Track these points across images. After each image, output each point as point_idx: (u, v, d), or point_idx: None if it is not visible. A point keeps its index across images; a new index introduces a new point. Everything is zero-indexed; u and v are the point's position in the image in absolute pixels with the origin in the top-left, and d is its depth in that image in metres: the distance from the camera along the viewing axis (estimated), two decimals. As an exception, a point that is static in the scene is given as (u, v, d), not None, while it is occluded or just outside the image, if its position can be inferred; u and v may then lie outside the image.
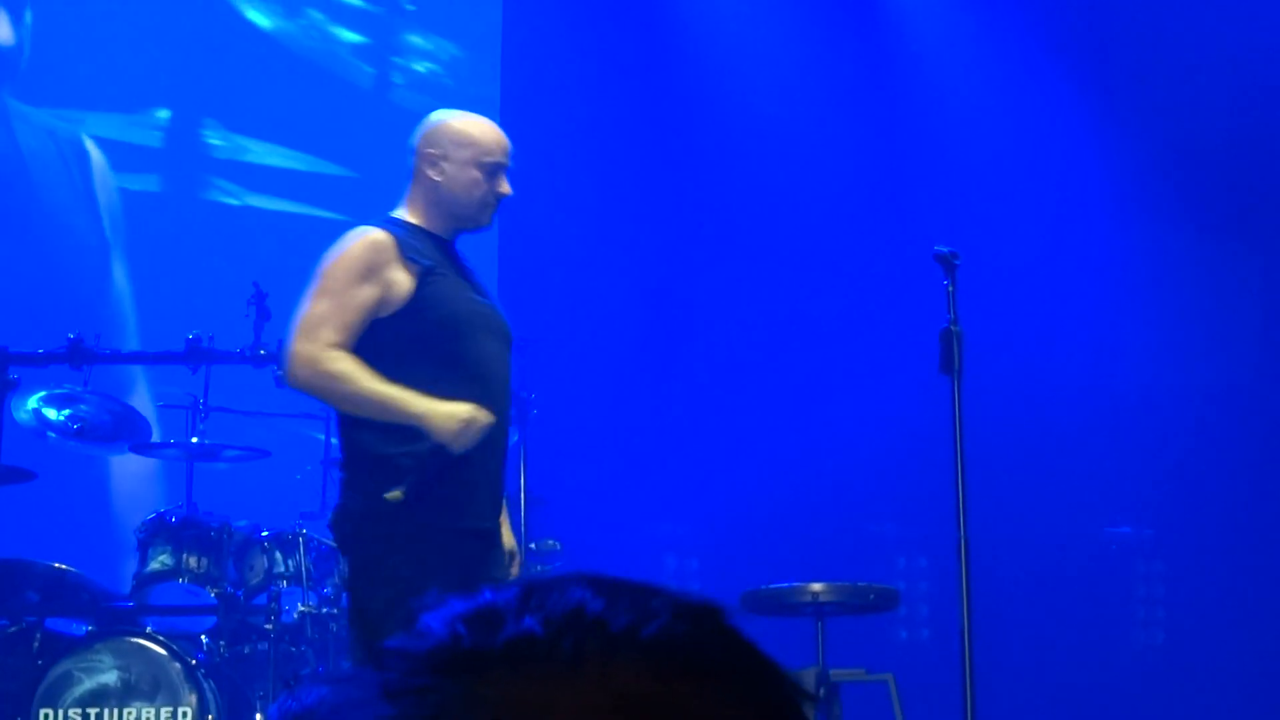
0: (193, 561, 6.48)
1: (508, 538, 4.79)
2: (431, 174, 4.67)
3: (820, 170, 8.87)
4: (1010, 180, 8.83)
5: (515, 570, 4.79)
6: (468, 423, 4.49)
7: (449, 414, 4.46)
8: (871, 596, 5.70)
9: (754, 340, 8.66)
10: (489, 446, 4.57)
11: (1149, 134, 8.89)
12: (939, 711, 6.25)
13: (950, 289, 5.47)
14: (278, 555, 6.62)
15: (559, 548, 7.04)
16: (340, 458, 4.71)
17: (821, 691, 5.66)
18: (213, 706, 6.17)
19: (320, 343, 4.47)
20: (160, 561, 6.48)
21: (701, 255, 8.83)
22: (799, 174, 8.88)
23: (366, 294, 4.51)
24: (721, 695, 0.97)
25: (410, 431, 4.48)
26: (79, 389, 6.83)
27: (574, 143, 8.83)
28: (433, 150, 4.67)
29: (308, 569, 6.65)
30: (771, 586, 5.70)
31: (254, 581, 6.59)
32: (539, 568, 6.68)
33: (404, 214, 4.70)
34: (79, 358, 6.68)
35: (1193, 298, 8.91)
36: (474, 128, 4.73)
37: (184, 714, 6.12)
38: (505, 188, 4.69)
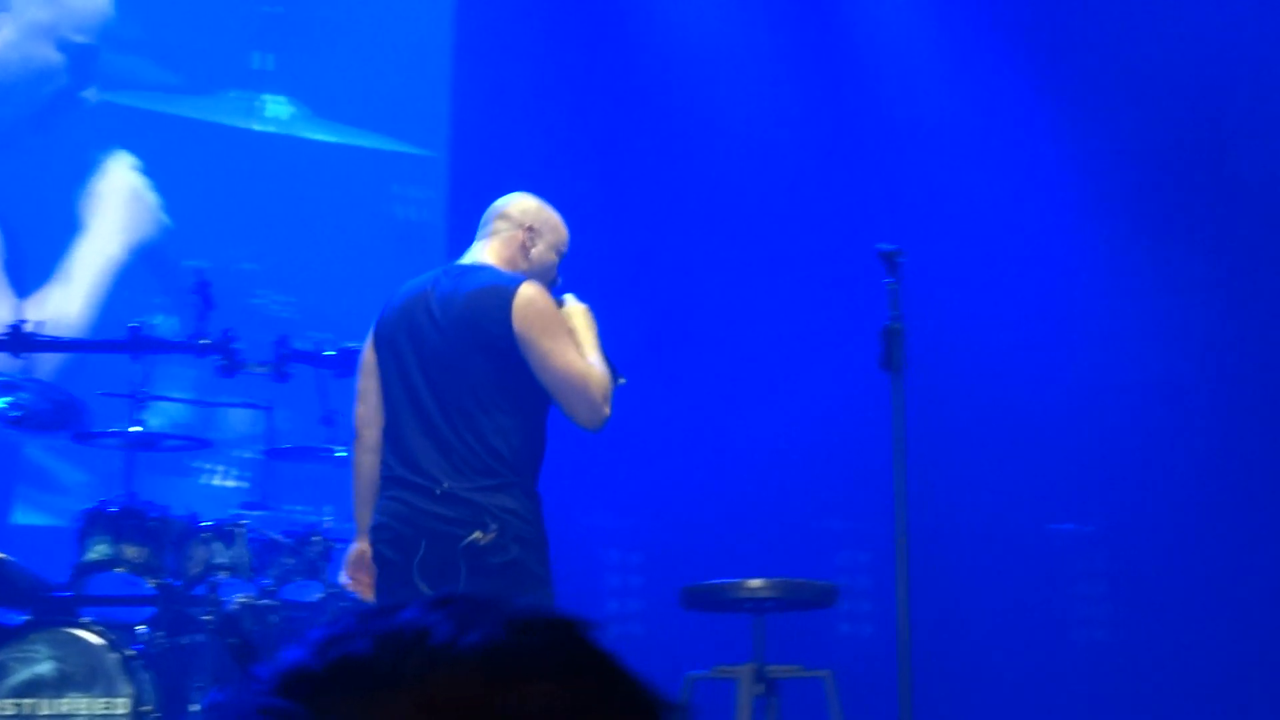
0: (131, 551, 6.44)
1: None
2: (530, 248, 5.28)
3: (766, 168, 8.87)
4: (956, 177, 8.85)
5: None
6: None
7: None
8: (810, 593, 5.69)
9: (696, 335, 8.66)
10: None
11: (1097, 131, 8.92)
12: (877, 708, 6.26)
13: (893, 286, 5.49)
14: (218, 546, 6.59)
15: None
16: (492, 458, 5.00)
17: (760, 688, 5.66)
18: (150, 697, 6.13)
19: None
20: (98, 551, 6.44)
21: (645, 252, 8.83)
22: (745, 171, 8.89)
23: None
24: (548, 700, 1.01)
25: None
26: (19, 376, 6.79)
27: (523, 142, 8.81)
28: (534, 228, 5.30)
29: (248, 560, 6.63)
30: (709, 583, 5.69)
31: (193, 572, 6.56)
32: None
33: (503, 268, 5.23)
34: (19, 345, 6.63)
35: (1138, 295, 8.94)
36: (558, 218, 5.39)
37: (121, 705, 6.08)
38: (557, 278, 5.33)
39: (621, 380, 5.14)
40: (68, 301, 8.84)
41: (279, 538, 6.83)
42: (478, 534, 4.87)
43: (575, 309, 5.22)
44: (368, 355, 5.30)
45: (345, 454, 7.79)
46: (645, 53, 9.04)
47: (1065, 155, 8.91)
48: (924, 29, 9.05)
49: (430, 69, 9.27)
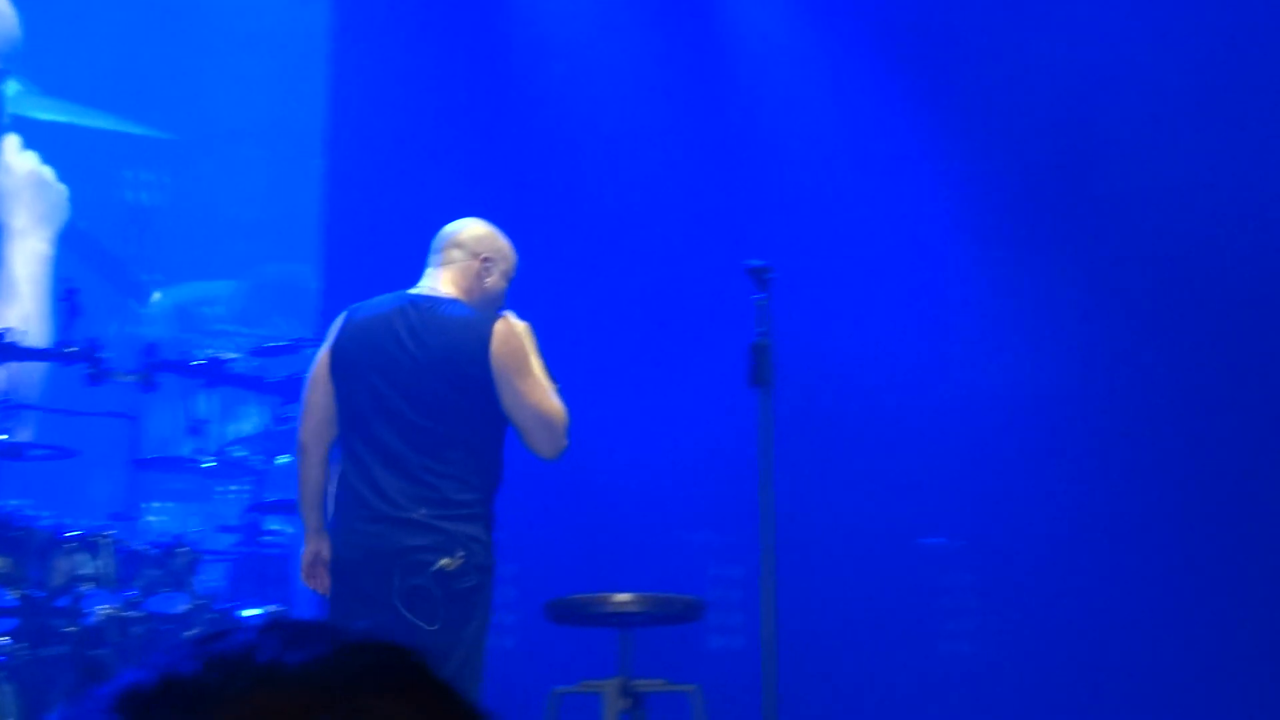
0: (-6, 562, 6.35)
1: None
2: (486, 278, 5.47)
3: (636, 183, 8.87)
4: (826, 192, 8.89)
5: None
6: None
7: None
8: (677, 607, 5.71)
9: (562, 349, 8.63)
10: None
11: (966, 145, 9.01)
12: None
13: (761, 303, 5.52)
14: (83, 557, 6.51)
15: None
16: (459, 489, 5.18)
17: (626, 703, 5.67)
18: (11, 709, 6.05)
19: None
20: (-39, 562, 6.35)
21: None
22: (615, 186, 8.89)
23: None
24: (371, 718, 1.02)
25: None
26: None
27: (395, 148, 8.78)
28: (491, 259, 5.50)
29: (113, 571, 6.56)
30: (574, 596, 5.69)
31: (57, 583, 6.48)
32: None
33: (460, 297, 5.42)
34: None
35: (1006, 311, 9.03)
36: (510, 247, 5.57)
37: (-20, 717, 6.00)
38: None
39: (555, 387, 5.34)
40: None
41: (145, 549, 6.76)
42: (445, 560, 5.04)
43: (517, 327, 5.34)
44: (320, 371, 5.38)
45: (213, 464, 7.78)
46: (510, 64, 9.02)
47: (935, 169, 8.99)
48: (795, 45, 9.10)
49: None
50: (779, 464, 5.52)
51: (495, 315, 5.31)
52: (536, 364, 5.30)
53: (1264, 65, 8.76)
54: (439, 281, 5.44)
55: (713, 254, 8.24)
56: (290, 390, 7.46)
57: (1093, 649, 8.67)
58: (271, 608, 7.20)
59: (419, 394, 5.21)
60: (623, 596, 5.60)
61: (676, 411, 8.54)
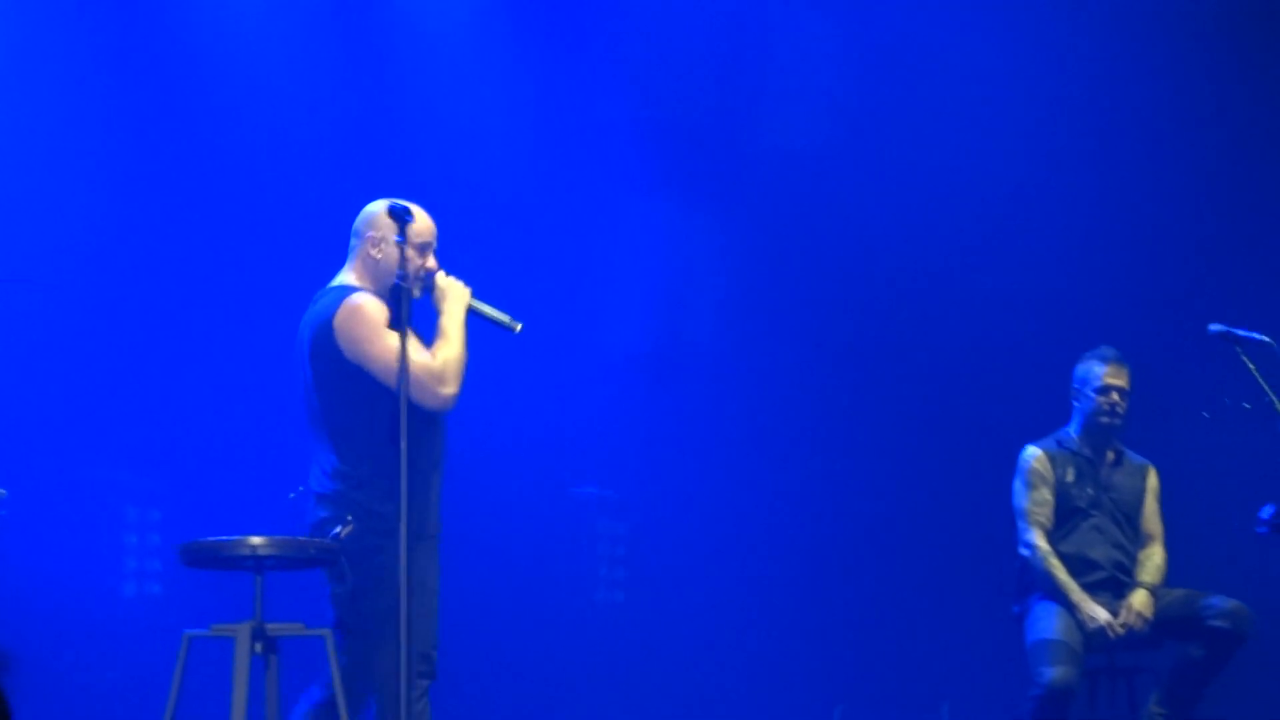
0: None
1: None
2: (373, 253, 5.64)
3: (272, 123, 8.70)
4: (484, 130, 8.87)
5: None
6: None
7: None
8: (313, 551, 5.67)
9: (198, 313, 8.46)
10: None
11: (629, 99, 9.10)
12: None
13: (404, 247, 5.50)
14: None
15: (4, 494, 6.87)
16: (336, 466, 5.66)
17: (259, 647, 5.62)
18: None
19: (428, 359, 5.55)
20: None
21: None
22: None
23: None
24: None
25: None
26: None
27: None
28: (374, 233, 5.65)
29: None
30: (209, 539, 5.61)
31: None
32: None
33: (353, 281, 5.66)
34: None
35: (657, 264, 9.15)
36: (394, 215, 5.55)
37: None
38: (432, 263, 5.65)
39: (518, 326, 5.70)
40: None
41: None
42: (339, 528, 5.57)
43: (442, 287, 5.65)
44: None
45: None
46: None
47: (595, 128, 9.05)
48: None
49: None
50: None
51: (339, 301, 5.54)
52: (445, 320, 5.59)
53: (927, 68, 9.04)
54: (341, 273, 5.71)
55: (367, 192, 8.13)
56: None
57: (740, 603, 8.87)
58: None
59: (305, 381, 5.70)
60: (257, 540, 5.54)
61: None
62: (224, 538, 5.59)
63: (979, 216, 9.15)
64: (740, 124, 9.22)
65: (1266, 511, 6.32)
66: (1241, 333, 6.61)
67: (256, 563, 5.64)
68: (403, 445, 5.33)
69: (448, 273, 5.72)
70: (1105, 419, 7.22)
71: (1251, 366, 6.47)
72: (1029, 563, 7.13)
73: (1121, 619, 6.95)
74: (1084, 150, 9.12)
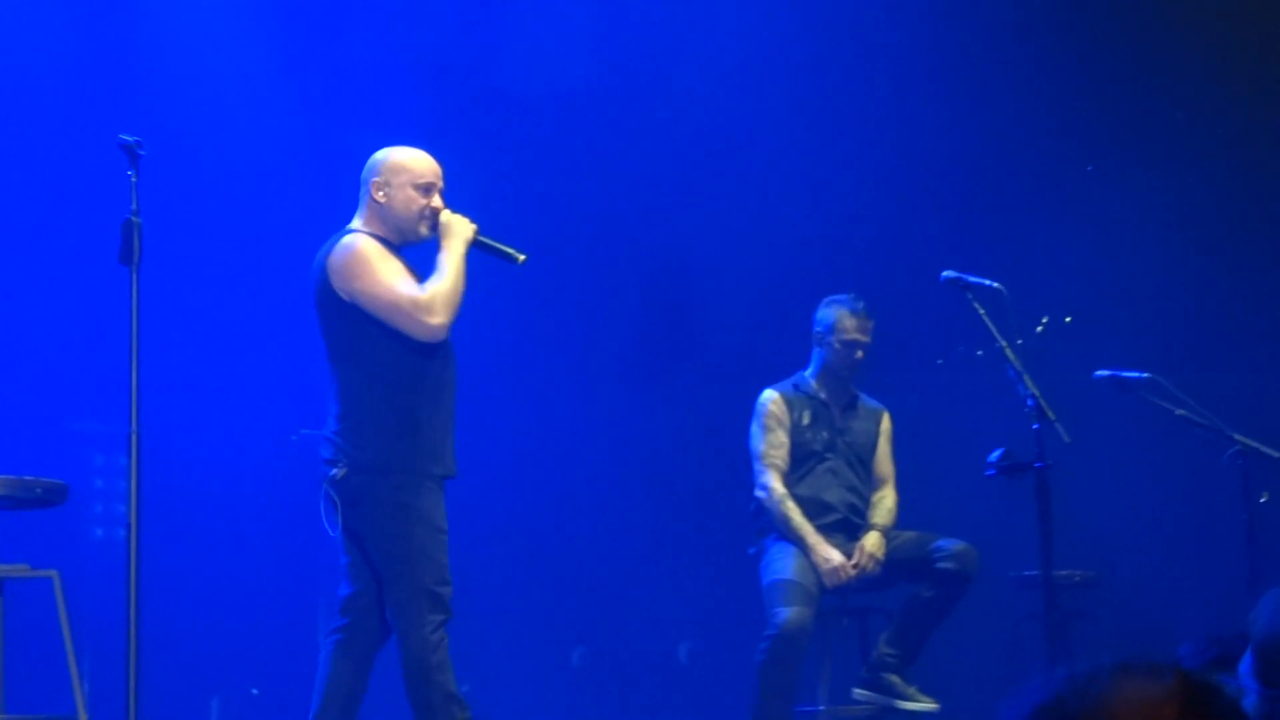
0: None
1: None
2: (378, 197, 5.74)
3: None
4: (203, 70, 8.69)
5: None
6: None
7: None
8: (39, 491, 5.53)
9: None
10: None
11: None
12: (107, 609, 6.16)
13: (134, 179, 5.38)
14: None
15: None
16: (340, 407, 5.73)
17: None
18: None
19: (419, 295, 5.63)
20: None
21: None
22: None
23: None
24: None
25: None
26: None
27: None
28: (377, 179, 5.76)
29: None
30: (-71, 478, 5.45)
31: None
32: None
33: (361, 226, 5.75)
34: None
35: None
36: (406, 156, 5.80)
37: None
38: (437, 203, 5.76)
39: (522, 257, 5.78)
40: None
41: None
42: (335, 471, 5.62)
43: (445, 223, 5.73)
44: None
45: None
46: None
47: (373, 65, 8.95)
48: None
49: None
50: (145, 347, 5.41)
51: (340, 238, 5.67)
52: (445, 254, 5.66)
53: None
54: (352, 221, 5.80)
55: (89, 129, 7.92)
56: None
57: (488, 538, 8.84)
58: None
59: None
60: (-20, 477, 5.39)
61: (53, 293, 8.23)
62: (-54, 477, 5.43)
63: (721, 165, 9.23)
64: (493, 71, 9.17)
65: (995, 455, 6.43)
66: (973, 279, 6.70)
67: (-20, 502, 5.48)
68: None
69: (453, 210, 5.79)
70: (847, 370, 7.31)
71: (982, 312, 6.58)
72: (764, 505, 7.18)
73: (854, 560, 7.05)
74: (828, 97, 9.23)
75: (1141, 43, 9.34)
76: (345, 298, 5.60)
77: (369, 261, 5.59)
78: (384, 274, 5.57)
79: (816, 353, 7.35)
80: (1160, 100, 9.32)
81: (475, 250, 5.75)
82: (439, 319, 5.57)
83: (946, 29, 9.27)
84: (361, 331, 5.61)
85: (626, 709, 8.86)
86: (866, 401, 7.47)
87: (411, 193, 5.72)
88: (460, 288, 5.63)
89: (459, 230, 5.72)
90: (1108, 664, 1.65)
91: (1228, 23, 9.24)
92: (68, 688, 5.57)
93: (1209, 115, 9.26)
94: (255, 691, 8.51)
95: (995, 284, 6.62)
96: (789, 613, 6.85)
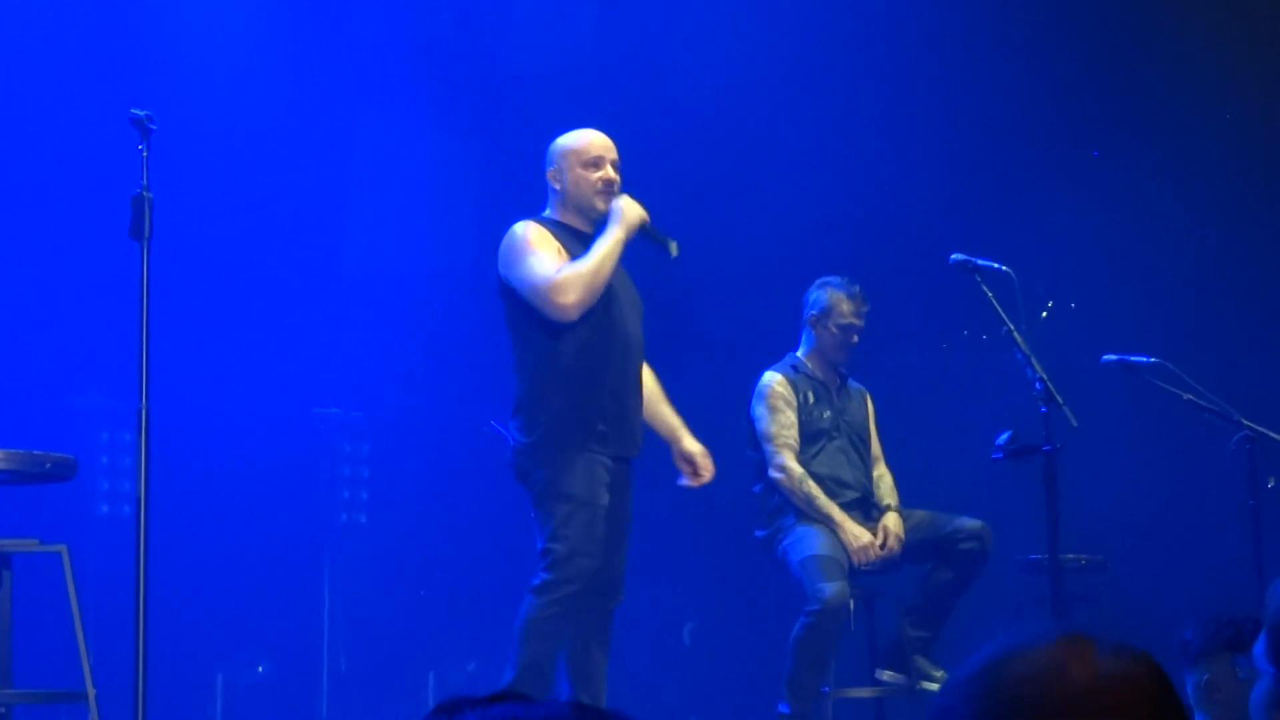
0: None
1: None
2: (555, 185, 6.05)
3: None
4: (219, 44, 8.68)
5: None
6: None
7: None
8: (48, 465, 5.53)
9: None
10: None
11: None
12: (116, 585, 6.17)
13: (144, 154, 5.38)
14: None
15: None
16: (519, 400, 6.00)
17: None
18: None
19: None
20: None
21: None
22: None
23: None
24: None
25: None
26: None
27: None
28: (552, 169, 6.06)
29: None
30: (-62, 451, 5.44)
31: None
32: None
33: (549, 214, 6.07)
34: None
35: (418, 183, 9.07)
36: (572, 138, 6.07)
37: None
38: (610, 174, 6.00)
39: (675, 250, 6.01)
40: None
41: None
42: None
43: (617, 206, 5.91)
44: None
45: None
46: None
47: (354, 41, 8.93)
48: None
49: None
50: (156, 323, 5.40)
51: (511, 226, 5.90)
52: (606, 237, 5.83)
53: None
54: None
55: (99, 104, 7.91)
56: None
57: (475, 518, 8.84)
58: None
59: None
60: (-13, 452, 5.38)
61: (63, 268, 8.22)
62: (-48, 450, 5.42)
63: (723, 148, 9.22)
64: (487, 45, 9.17)
65: (1002, 438, 6.43)
66: (981, 262, 6.69)
67: (-13, 476, 5.48)
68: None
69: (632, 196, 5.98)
70: (842, 354, 7.28)
71: (990, 295, 6.57)
72: (779, 485, 7.09)
73: (880, 540, 7.00)
74: (833, 80, 9.21)
75: (1148, 26, 9.33)
76: (507, 283, 5.86)
77: (519, 247, 5.81)
78: (531, 257, 5.79)
79: (808, 334, 7.30)
80: (1168, 84, 9.31)
81: (639, 238, 5.94)
82: (567, 299, 5.75)
83: (952, 10, 9.25)
84: (521, 316, 5.88)
85: (630, 689, 8.86)
86: (851, 382, 7.45)
87: (581, 172, 5.98)
88: (602, 270, 5.78)
89: (626, 216, 5.90)
90: (1055, 631, 1.54)
91: (1234, 5, 9.23)
92: (76, 662, 5.57)
93: (1217, 100, 9.25)
94: (261, 668, 8.52)
95: (1004, 267, 6.61)
96: (834, 587, 6.72)
